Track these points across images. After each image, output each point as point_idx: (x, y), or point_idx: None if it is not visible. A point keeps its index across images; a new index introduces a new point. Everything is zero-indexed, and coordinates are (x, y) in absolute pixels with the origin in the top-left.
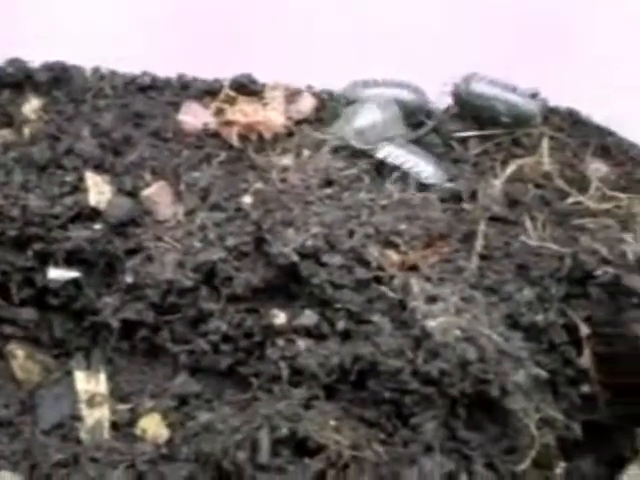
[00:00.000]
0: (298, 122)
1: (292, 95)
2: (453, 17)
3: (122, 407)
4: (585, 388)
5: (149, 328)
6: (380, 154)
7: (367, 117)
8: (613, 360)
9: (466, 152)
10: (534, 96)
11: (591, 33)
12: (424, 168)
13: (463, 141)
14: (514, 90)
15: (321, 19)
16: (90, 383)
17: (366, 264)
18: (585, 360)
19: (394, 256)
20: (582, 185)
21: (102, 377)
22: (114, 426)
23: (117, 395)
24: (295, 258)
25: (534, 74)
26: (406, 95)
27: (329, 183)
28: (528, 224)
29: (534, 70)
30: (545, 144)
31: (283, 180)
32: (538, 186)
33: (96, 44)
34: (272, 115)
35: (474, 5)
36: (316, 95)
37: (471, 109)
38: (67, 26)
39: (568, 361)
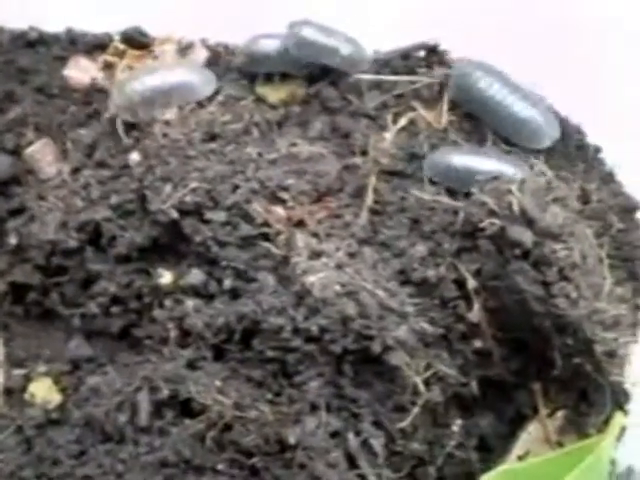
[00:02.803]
0: None
1: (184, 49)
2: None
3: (17, 372)
4: (478, 343)
5: (38, 291)
6: None
7: (150, 82)
8: (502, 314)
9: (364, 105)
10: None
11: None
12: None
13: (361, 94)
14: (340, 36)
15: None
16: None
17: (251, 220)
18: (475, 314)
19: (280, 212)
20: (480, 137)
21: None
22: (8, 392)
23: (12, 360)
24: (175, 215)
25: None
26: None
27: (213, 137)
28: (423, 177)
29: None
30: (446, 96)
31: (165, 135)
32: (435, 139)
33: None
34: None
35: None
36: (211, 48)
37: (300, 56)
38: None
39: (460, 316)
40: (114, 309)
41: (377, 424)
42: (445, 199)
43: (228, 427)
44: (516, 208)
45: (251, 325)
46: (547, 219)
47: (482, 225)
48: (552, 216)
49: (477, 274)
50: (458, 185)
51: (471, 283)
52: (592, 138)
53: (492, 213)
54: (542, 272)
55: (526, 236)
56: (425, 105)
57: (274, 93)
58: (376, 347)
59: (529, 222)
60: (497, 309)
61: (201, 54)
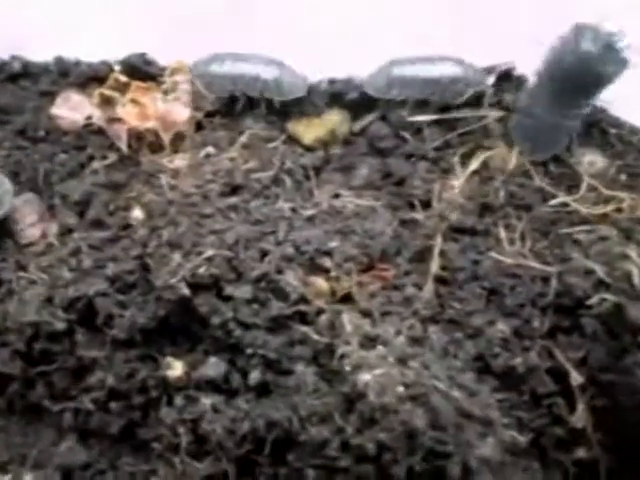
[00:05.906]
0: (209, 114)
1: None
2: None
3: None
4: (581, 453)
5: (21, 382)
6: None
7: None
8: (614, 416)
9: (422, 144)
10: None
11: None
12: None
13: (418, 131)
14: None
15: None
16: None
17: (284, 296)
18: (579, 417)
19: (321, 284)
20: (572, 183)
21: None
22: None
23: None
24: (186, 291)
25: None
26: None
27: (234, 190)
28: (502, 235)
29: None
30: None
31: (173, 187)
32: (514, 186)
33: None
34: (174, 108)
35: None
36: None
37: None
38: None
39: (558, 418)
40: (113, 405)
41: None
42: (533, 263)
43: None
44: (637, 280)
45: (285, 435)
46: None
47: (589, 302)
48: None
49: (581, 364)
50: None
51: (575, 377)
52: None
53: (602, 284)
54: None
55: None
56: (496, 143)
57: (310, 131)
58: (454, 469)
59: None
60: (607, 409)
61: None
